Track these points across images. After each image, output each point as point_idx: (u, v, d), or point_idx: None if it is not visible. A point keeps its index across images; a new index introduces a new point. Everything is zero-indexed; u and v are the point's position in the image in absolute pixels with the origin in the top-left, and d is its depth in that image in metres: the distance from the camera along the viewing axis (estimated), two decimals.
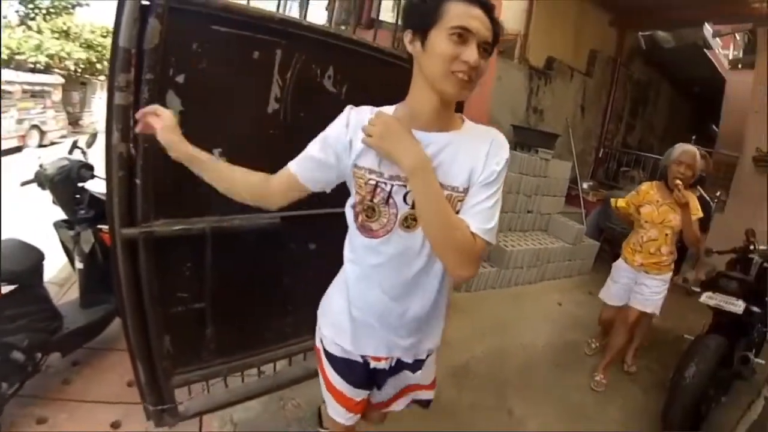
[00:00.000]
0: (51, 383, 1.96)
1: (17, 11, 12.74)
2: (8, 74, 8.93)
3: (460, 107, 1.10)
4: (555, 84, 5.82)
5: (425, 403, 1.36)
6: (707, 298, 2.44)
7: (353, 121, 1.00)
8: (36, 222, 2.47)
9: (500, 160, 0.96)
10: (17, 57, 11.43)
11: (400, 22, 2.66)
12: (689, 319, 3.27)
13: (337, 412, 1.24)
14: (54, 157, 2.20)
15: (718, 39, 7.51)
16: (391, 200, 0.98)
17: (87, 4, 14.13)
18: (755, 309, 2.40)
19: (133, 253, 1.38)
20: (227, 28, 1.39)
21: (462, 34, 0.86)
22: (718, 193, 4.89)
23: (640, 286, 2.53)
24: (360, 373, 1.19)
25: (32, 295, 1.86)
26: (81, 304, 2.16)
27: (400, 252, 1.01)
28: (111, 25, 1.26)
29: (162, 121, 1.08)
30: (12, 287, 1.74)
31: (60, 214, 2.16)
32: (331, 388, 1.22)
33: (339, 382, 1.21)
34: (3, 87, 8.02)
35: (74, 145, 2.30)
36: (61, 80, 11.17)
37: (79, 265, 2.13)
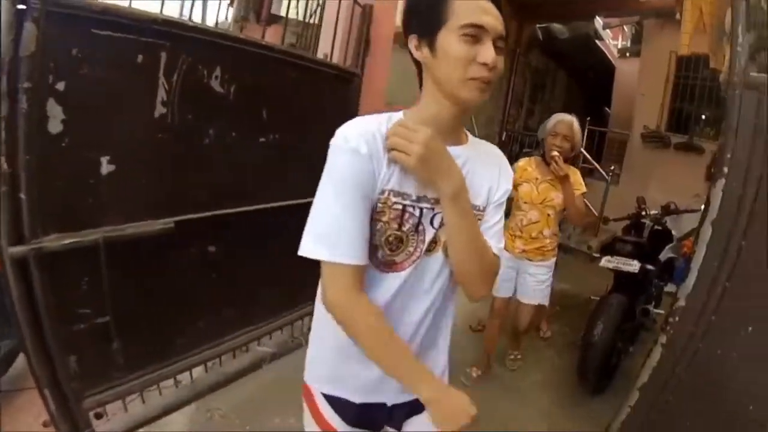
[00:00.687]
0: None
1: None
2: None
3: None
4: None
5: None
6: (606, 261, 2.65)
7: (371, 141, 0.78)
8: None
9: (509, 178, 0.93)
10: None
11: (299, 18, 2.66)
12: (594, 283, 3.57)
13: None
14: None
15: (608, 30, 8.32)
16: (421, 227, 0.83)
17: None
18: (649, 267, 2.65)
19: (24, 272, 1.30)
20: (108, 31, 1.35)
21: (475, 34, 0.74)
22: (612, 168, 5.43)
23: (524, 276, 2.36)
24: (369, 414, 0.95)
25: None
26: None
27: (419, 278, 0.87)
28: None
29: None
30: None
31: None
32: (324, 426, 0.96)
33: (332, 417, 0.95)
34: None
35: None
36: None
37: None
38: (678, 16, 4.06)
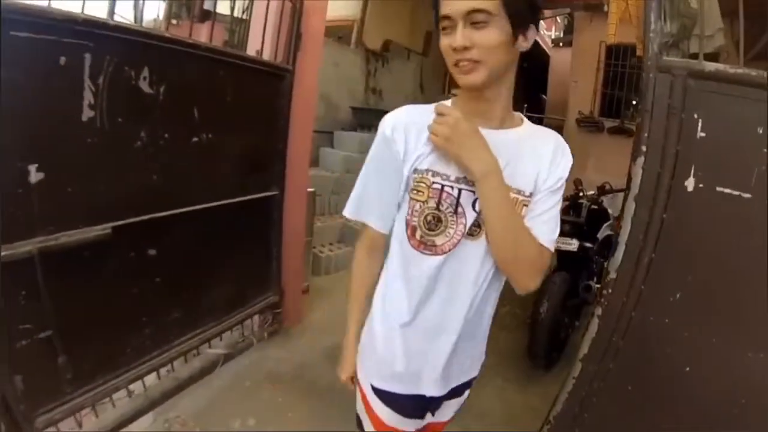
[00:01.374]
0: None
1: None
2: None
3: None
4: (392, 65, 6.15)
5: None
6: None
7: (400, 126, 0.87)
8: None
9: (566, 166, 0.91)
10: None
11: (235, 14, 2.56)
12: None
13: None
14: None
15: (542, 21, 8.67)
16: (459, 208, 0.86)
17: None
18: (588, 245, 2.81)
19: None
20: (28, 33, 1.24)
21: (446, 25, 0.79)
22: None
23: None
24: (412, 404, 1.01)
25: None
26: None
27: (462, 263, 0.89)
28: None
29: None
30: None
31: None
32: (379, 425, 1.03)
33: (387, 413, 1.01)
34: None
35: None
36: None
37: None
38: (605, 8, 4.30)
